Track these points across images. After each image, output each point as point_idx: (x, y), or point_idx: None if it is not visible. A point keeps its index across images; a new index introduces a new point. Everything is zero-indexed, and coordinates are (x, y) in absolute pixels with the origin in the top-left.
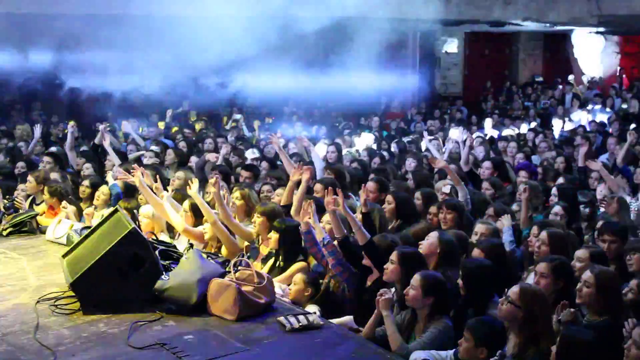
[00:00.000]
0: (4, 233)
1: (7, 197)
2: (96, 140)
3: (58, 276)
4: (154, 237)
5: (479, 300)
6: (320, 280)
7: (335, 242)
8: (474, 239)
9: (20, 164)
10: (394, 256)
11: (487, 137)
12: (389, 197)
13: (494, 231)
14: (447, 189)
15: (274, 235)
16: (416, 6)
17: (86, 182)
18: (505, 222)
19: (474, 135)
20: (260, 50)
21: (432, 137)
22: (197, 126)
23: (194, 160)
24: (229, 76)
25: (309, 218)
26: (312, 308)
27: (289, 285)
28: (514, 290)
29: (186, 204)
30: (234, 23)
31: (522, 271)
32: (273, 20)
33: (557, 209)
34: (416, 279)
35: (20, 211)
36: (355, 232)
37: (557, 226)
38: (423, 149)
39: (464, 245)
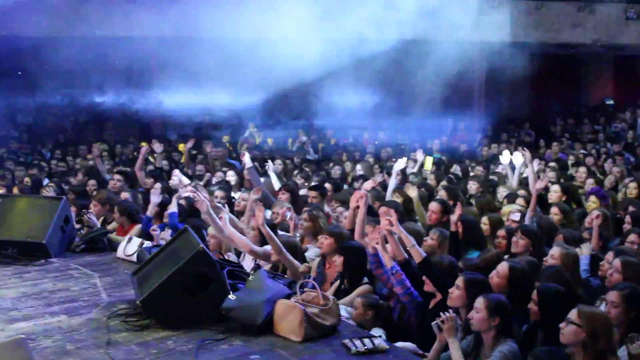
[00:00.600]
0: (77, 250)
1: (81, 214)
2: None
3: (128, 293)
4: (221, 257)
5: (550, 325)
6: (384, 302)
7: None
8: (550, 262)
9: (92, 182)
10: (459, 282)
11: (555, 161)
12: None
13: (571, 256)
14: (516, 217)
15: (339, 258)
16: (484, 29)
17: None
18: (584, 251)
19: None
20: (330, 72)
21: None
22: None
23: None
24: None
25: (377, 243)
26: (377, 331)
27: (353, 307)
28: (573, 312)
29: (253, 223)
30: (306, 45)
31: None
32: (345, 42)
33: (632, 236)
34: (480, 301)
35: (93, 229)
36: (410, 250)
37: (632, 254)
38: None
39: (535, 272)
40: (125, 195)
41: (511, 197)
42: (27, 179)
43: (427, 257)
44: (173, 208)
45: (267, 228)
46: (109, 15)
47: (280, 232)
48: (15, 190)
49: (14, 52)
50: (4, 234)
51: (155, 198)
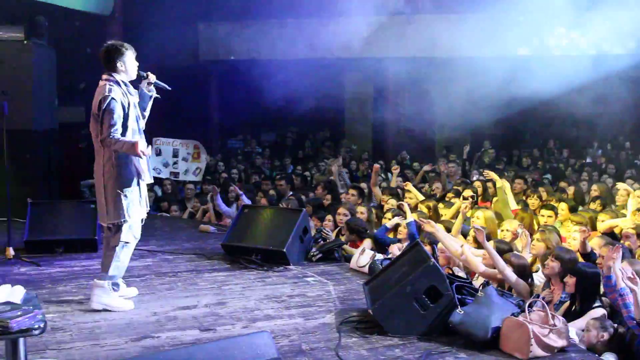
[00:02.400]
0: (314, 259)
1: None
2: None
3: (360, 302)
4: (451, 272)
5: None
6: (619, 326)
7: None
8: None
9: (328, 196)
10: None
11: None
12: None
13: None
14: None
15: (570, 279)
16: None
17: (388, 216)
18: None
19: None
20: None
21: None
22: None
23: None
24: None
25: (613, 263)
26: (609, 357)
27: (583, 330)
28: None
29: (488, 245)
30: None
31: None
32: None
33: None
34: None
35: (328, 240)
36: None
37: None
38: None
39: None
40: (361, 209)
41: None
42: (272, 191)
43: None
44: (410, 218)
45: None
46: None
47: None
48: (263, 201)
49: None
50: (249, 241)
51: (393, 222)
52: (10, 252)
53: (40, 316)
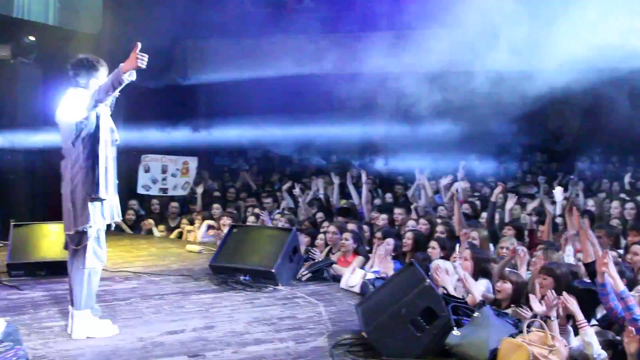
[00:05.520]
0: (303, 279)
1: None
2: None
3: (352, 323)
4: (446, 292)
5: None
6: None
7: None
8: None
9: (319, 214)
10: None
11: None
12: None
13: None
14: None
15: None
16: None
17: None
18: None
19: None
20: None
21: None
22: None
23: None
24: None
25: (606, 268)
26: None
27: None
28: None
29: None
30: None
31: None
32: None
33: None
34: None
35: (317, 259)
36: None
37: None
38: None
39: None
40: (351, 226)
41: None
42: (257, 210)
43: None
44: None
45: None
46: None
47: None
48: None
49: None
50: (237, 262)
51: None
52: None
53: (21, 352)
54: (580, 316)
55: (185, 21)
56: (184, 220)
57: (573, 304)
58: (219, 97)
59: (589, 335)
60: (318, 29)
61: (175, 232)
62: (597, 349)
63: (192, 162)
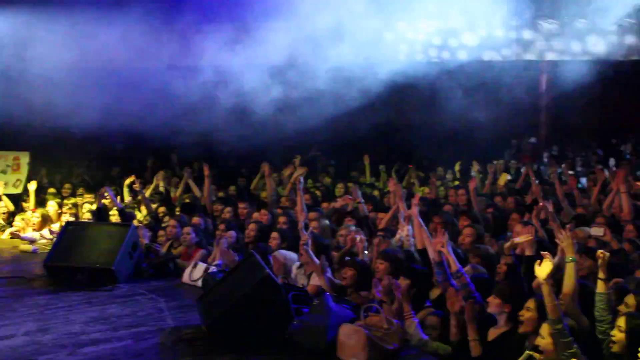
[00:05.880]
0: (145, 275)
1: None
2: None
3: (194, 317)
4: (286, 282)
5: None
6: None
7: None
8: None
9: (161, 208)
10: (532, 304)
11: None
12: None
13: None
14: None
15: (404, 281)
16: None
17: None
18: None
19: None
20: None
21: None
22: None
23: None
24: None
25: (442, 246)
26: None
27: None
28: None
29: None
30: None
31: None
32: None
33: None
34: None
35: (160, 254)
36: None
37: None
38: None
39: None
40: (196, 220)
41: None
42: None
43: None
44: None
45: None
46: None
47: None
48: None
49: None
50: (74, 261)
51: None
52: None
53: None
54: (406, 308)
55: None
56: (17, 219)
57: (401, 297)
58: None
59: (410, 326)
60: (154, 19)
61: (8, 231)
62: (420, 337)
63: (24, 158)
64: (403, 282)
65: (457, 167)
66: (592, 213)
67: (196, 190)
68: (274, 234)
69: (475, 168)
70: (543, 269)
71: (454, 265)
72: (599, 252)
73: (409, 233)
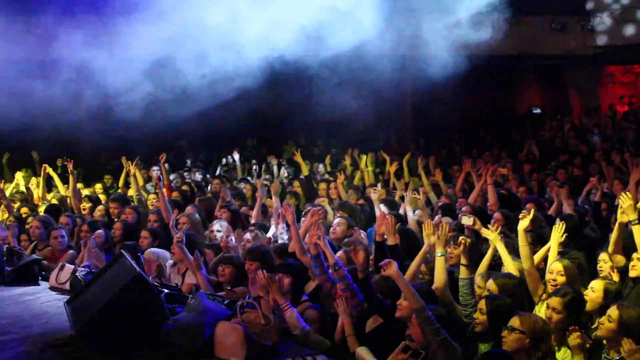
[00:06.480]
0: (7, 280)
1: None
2: None
3: (63, 323)
4: (159, 281)
5: (496, 335)
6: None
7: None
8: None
9: (24, 209)
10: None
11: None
12: None
13: None
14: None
15: (286, 279)
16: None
17: None
18: None
19: None
20: None
21: None
22: None
23: None
24: None
25: (319, 239)
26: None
27: None
28: (514, 320)
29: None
30: None
31: None
32: None
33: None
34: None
35: (23, 257)
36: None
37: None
38: None
39: None
40: (63, 219)
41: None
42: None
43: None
44: None
45: None
46: None
47: None
48: None
49: None
50: None
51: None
52: None
53: None
54: (281, 300)
55: None
56: None
57: (274, 291)
58: None
59: (291, 317)
60: (10, 10)
61: None
62: (302, 326)
63: None
64: (285, 279)
65: (327, 161)
66: (455, 203)
67: (62, 188)
68: (145, 233)
69: (347, 162)
70: None
71: (331, 258)
72: (461, 238)
73: (283, 230)
